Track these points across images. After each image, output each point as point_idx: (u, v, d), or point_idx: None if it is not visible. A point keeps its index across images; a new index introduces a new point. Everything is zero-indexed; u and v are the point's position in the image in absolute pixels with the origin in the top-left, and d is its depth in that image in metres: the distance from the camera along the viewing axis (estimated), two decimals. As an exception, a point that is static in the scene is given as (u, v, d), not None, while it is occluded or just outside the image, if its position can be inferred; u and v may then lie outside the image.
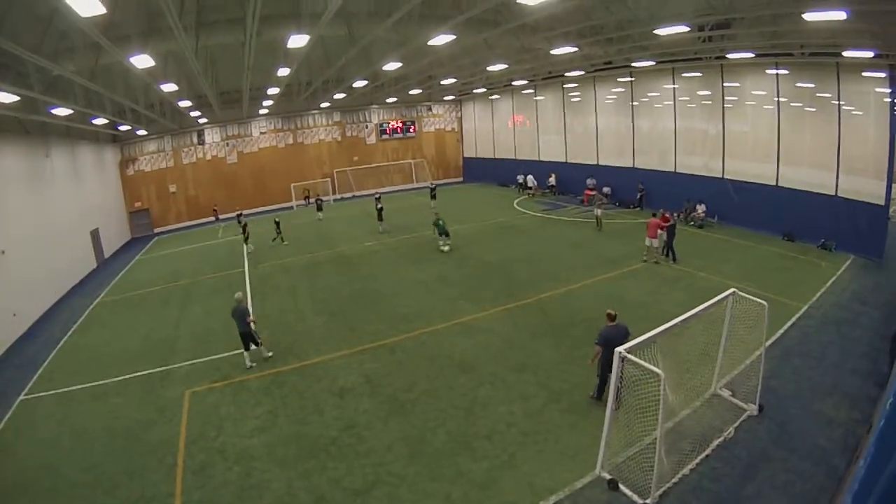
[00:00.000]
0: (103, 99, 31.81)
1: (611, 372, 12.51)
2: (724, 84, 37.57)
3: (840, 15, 18.89)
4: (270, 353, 19.95)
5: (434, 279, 27.94)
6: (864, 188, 29.94)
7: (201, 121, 57.86)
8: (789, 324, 19.83)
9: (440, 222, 33.12)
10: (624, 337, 13.54)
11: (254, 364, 19.38)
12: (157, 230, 60.61)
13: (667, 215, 28.89)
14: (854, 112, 30.45)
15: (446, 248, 32.48)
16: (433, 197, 52.23)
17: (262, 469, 13.42)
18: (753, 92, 35.90)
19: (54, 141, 38.49)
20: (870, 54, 26.32)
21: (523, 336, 19.95)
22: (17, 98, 21.84)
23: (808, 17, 19.74)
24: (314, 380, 18.03)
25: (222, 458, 14.03)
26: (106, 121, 37.49)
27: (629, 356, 10.96)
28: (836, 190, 31.47)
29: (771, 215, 34.49)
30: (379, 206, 43.58)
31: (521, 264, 29.49)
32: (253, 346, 19.41)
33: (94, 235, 45.11)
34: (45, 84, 22.80)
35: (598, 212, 34.99)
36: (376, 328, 21.90)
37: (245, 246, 39.38)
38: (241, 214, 47.98)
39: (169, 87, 29.66)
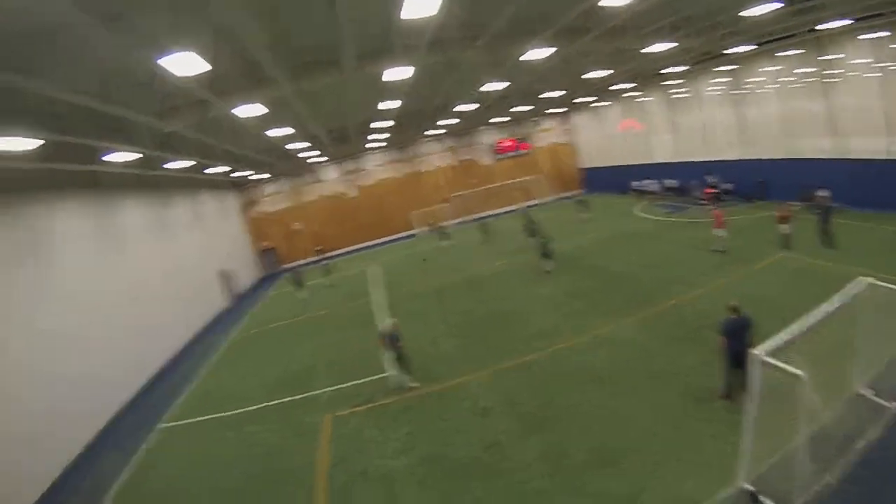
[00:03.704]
0: (216, 149, 33.71)
1: (735, 366, 12.47)
2: (823, 59, 35.21)
3: None
4: (415, 384, 20.09)
5: (563, 294, 27.56)
6: None
7: (317, 160, 60.12)
8: None
9: (544, 241, 32.34)
10: (746, 328, 13.34)
11: (416, 385, 19.91)
12: (285, 266, 63.28)
13: (785, 212, 27.98)
14: None
15: (549, 270, 31.47)
16: (580, 202, 52.14)
17: (404, 490, 13.78)
18: (856, 61, 33.29)
19: (176, 192, 41.69)
20: None
21: (658, 344, 19.43)
22: (136, 156, 23.41)
23: None
24: (454, 401, 18.25)
25: (364, 479, 14.53)
26: (223, 169, 39.55)
27: (769, 359, 10.38)
28: None
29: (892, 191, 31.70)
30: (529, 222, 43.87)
31: (648, 271, 28.72)
32: (399, 374, 19.99)
33: (224, 276, 48.18)
34: (159, 141, 24.64)
35: (786, 228, 28.31)
36: (511, 347, 21.85)
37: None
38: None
39: (280, 132, 30.97)
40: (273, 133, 30.78)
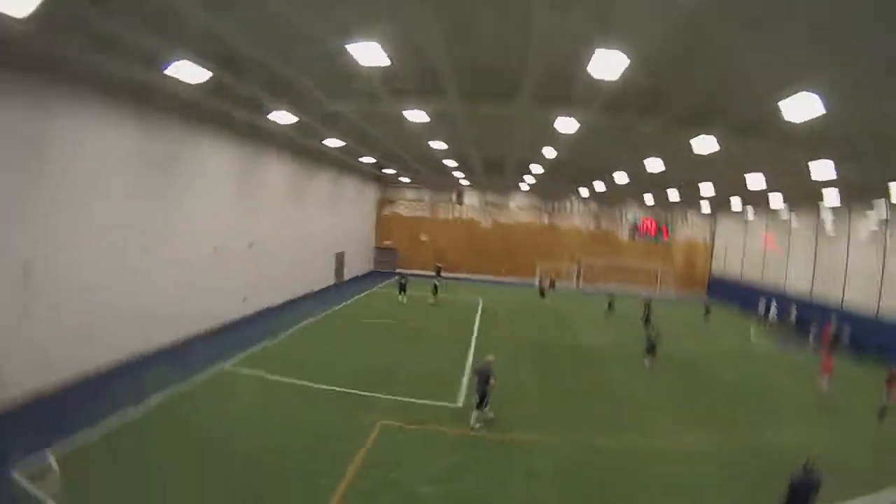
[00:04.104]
0: (373, 140, 34.78)
1: None
2: None
3: None
4: (492, 415, 19.70)
5: (657, 391, 25.79)
6: None
7: (463, 182, 61.01)
8: None
9: (653, 335, 30.49)
10: (815, 489, 12.46)
11: (479, 425, 19.25)
12: (398, 270, 63.27)
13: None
14: None
15: (648, 365, 29.48)
16: (707, 308, 50.64)
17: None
18: None
19: (322, 166, 43.53)
20: None
21: (741, 483, 17.36)
22: (295, 120, 24.36)
23: None
24: (509, 453, 17.47)
25: (391, 489, 14.27)
26: (373, 160, 40.67)
27: None
28: None
29: None
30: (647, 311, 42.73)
31: (750, 397, 26.54)
32: (482, 408, 19.45)
33: (339, 257, 50.43)
34: (322, 116, 25.56)
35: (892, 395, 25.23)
36: (587, 423, 20.77)
37: None
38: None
39: (437, 145, 31.50)
40: (430, 143, 31.37)
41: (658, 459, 18.27)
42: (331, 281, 48.27)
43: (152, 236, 23.14)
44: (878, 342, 37.88)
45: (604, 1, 13.03)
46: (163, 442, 15.48)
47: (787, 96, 17.26)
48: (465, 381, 23.74)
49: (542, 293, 53.32)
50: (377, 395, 21.21)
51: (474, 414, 19.18)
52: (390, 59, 15.03)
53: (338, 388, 21.50)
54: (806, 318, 46.51)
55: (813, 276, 49.75)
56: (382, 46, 14.07)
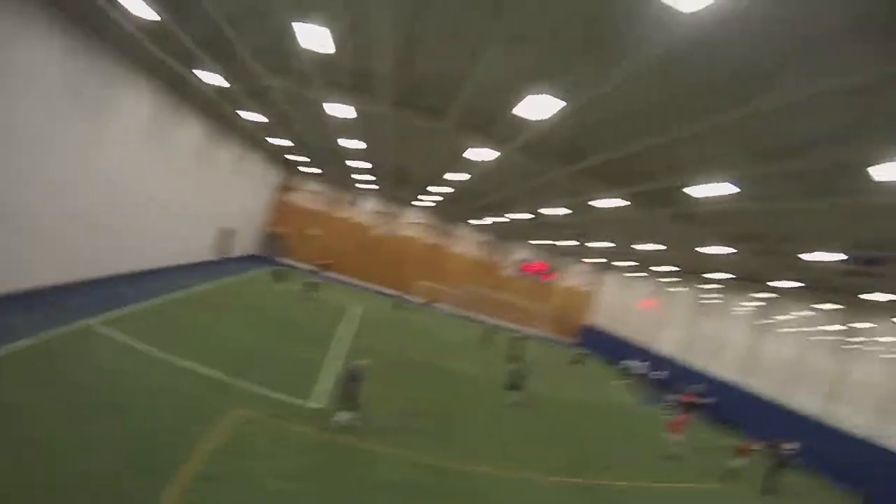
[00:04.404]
0: (292, 124, 34.27)
1: None
2: (856, 324, 36.00)
3: None
4: (360, 422, 19.43)
5: (509, 426, 26.26)
6: None
7: (367, 185, 60.21)
8: None
9: (520, 376, 30.50)
10: None
11: (341, 424, 19.02)
12: (282, 259, 62.96)
13: (752, 446, 28.05)
14: None
15: (513, 401, 29.54)
16: (579, 355, 52.94)
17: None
18: (884, 338, 34.00)
19: (235, 137, 42.00)
20: None
21: None
22: (224, 85, 23.99)
23: None
24: (362, 463, 17.27)
25: (238, 479, 13.83)
26: (285, 144, 40.07)
27: None
28: None
29: (862, 473, 31.12)
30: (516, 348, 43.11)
31: (601, 444, 28.04)
32: (349, 411, 19.24)
33: (229, 233, 48.83)
34: (251, 87, 24.92)
35: (740, 462, 27.75)
36: (437, 446, 20.76)
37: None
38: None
39: (355, 144, 31.37)
40: (346, 140, 31.12)
41: (498, 487, 18.71)
42: (217, 255, 46.60)
43: (49, 170, 21.59)
44: (734, 415, 40.60)
45: (553, 52, 13.43)
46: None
47: (703, 183, 18.32)
48: (324, 381, 23.48)
49: (397, 307, 53.35)
50: (236, 381, 20.36)
51: (340, 414, 19.05)
52: (336, 48, 14.81)
53: (199, 367, 20.49)
54: (671, 380, 48.73)
55: (686, 344, 52.22)
56: (332, 34, 13.84)
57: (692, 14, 9.35)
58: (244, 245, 56.28)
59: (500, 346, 44.45)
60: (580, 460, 24.04)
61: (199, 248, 43.29)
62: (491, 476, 19.34)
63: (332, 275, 62.68)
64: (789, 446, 30.46)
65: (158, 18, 17.01)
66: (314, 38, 14.24)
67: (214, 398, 18.39)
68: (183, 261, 39.79)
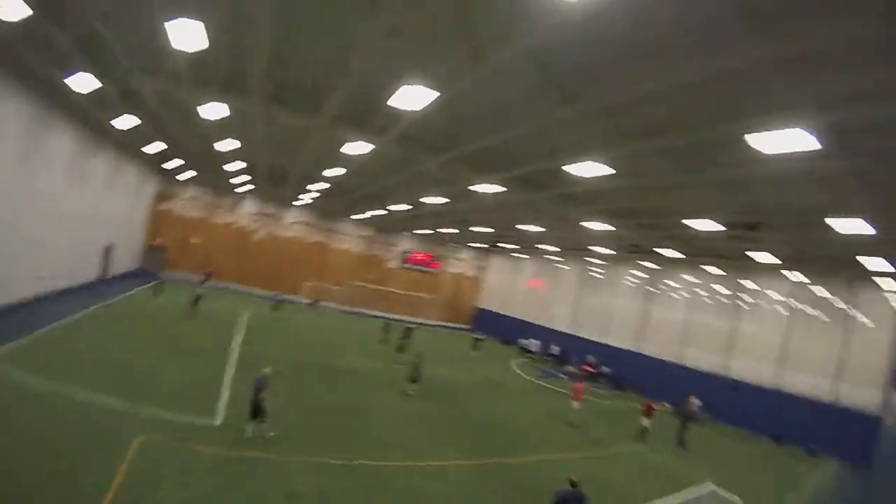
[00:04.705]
0: (167, 127, 32.94)
1: None
2: (740, 284, 39.21)
3: (866, 230, 20.23)
4: (273, 434, 19.27)
5: (415, 418, 26.15)
6: (862, 397, 31.05)
7: (243, 188, 59.07)
8: None
9: (416, 367, 30.82)
10: (580, 503, 13.54)
11: (254, 436, 18.94)
12: (167, 272, 59.56)
13: (653, 406, 29.64)
14: (865, 322, 32.12)
15: (411, 394, 29.91)
16: (476, 340, 52.96)
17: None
18: (768, 294, 37.55)
19: (108, 147, 39.45)
20: (885, 264, 27.51)
21: (491, 497, 18.60)
22: (96, 87, 22.63)
23: (838, 227, 20.96)
24: (269, 474, 16.95)
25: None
26: (159, 149, 38.82)
27: None
28: (835, 397, 32.58)
29: (762, 415, 34.77)
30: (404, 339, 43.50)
31: (502, 423, 28.42)
32: (258, 422, 19.04)
33: (108, 251, 46.11)
34: (121, 90, 23.94)
35: (646, 422, 29.63)
36: (344, 445, 20.58)
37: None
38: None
39: (230, 144, 30.84)
40: (221, 142, 30.64)
41: (411, 478, 18.85)
42: (96, 275, 43.88)
43: None
44: (633, 379, 43.51)
45: (427, 43, 13.77)
46: None
47: (576, 161, 19.10)
48: (224, 395, 22.98)
49: (276, 308, 51.76)
50: (137, 406, 19.42)
51: (250, 425, 18.90)
52: (209, 43, 14.50)
53: (97, 397, 19.36)
54: (566, 353, 50.48)
55: (577, 317, 53.92)
56: (206, 27, 13.56)
57: (564, 2, 9.89)
58: (125, 261, 53.24)
59: (396, 340, 44.79)
60: (488, 441, 24.57)
61: (80, 269, 40.62)
62: (404, 468, 19.49)
63: (217, 283, 60.42)
64: (693, 402, 32.92)
65: (30, 13, 16.12)
66: (188, 33, 13.85)
67: (116, 428, 17.45)
68: (66, 284, 37.24)
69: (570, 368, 46.69)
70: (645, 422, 29.03)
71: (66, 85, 22.82)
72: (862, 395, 31.22)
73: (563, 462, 22.80)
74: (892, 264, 27.24)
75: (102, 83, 22.21)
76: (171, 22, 13.37)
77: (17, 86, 24.66)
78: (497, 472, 20.98)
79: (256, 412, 18.95)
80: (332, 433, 21.73)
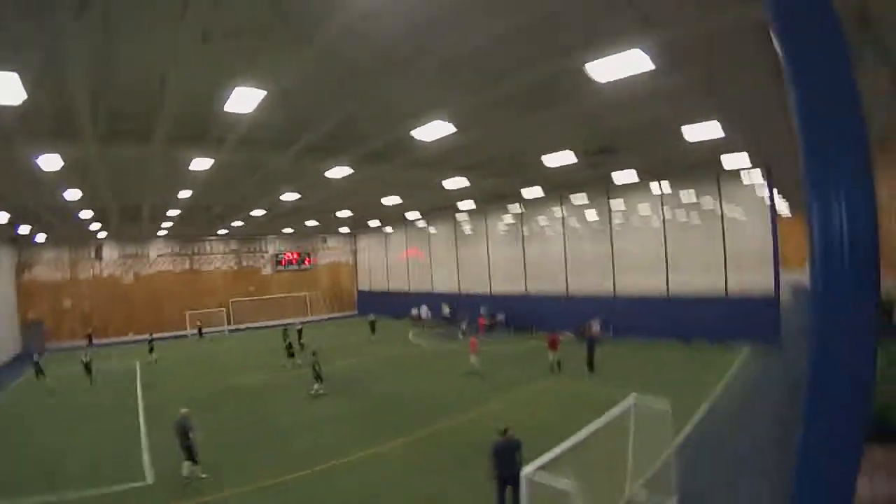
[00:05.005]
0: (5, 193, 31.10)
1: (506, 488, 13.32)
2: (611, 206, 41.52)
3: (717, 132, 22.29)
4: (205, 475, 19.09)
5: (332, 415, 26.66)
6: (754, 283, 33.66)
7: (100, 235, 56.74)
8: (697, 418, 21.08)
9: (316, 366, 30.98)
10: (516, 450, 13.85)
11: (205, 475, 18.96)
12: (50, 345, 56.93)
13: (556, 337, 31.64)
14: (736, 215, 34.84)
15: (320, 392, 30.27)
16: (371, 323, 53.54)
17: None
18: (640, 210, 39.97)
19: None
20: (744, 158, 30.28)
21: (426, 467, 19.17)
22: None
23: (689, 136, 23.03)
24: None
25: None
26: (4, 217, 37.08)
27: (536, 477, 10.68)
28: (727, 290, 35.23)
29: (665, 323, 37.08)
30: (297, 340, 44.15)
31: (418, 395, 29.10)
32: (191, 463, 18.93)
33: None
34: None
35: (555, 354, 31.63)
36: (270, 466, 20.28)
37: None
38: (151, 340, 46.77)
39: (72, 194, 29.87)
40: (64, 193, 29.67)
41: (344, 475, 19.16)
42: None
43: None
44: (530, 319, 45.34)
45: (243, 43, 13.96)
46: None
47: (422, 124, 19.70)
48: (146, 451, 22.51)
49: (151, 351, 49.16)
50: (59, 496, 18.45)
51: (185, 465, 18.83)
52: (28, 94, 14.17)
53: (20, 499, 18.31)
54: (458, 312, 51.93)
55: (458, 275, 54.98)
56: (21, 79, 13.30)
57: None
58: (7, 348, 50.33)
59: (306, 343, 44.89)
60: (408, 418, 25.11)
61: None
62: (336, 467, 19.79)
63: (102, 340, 58.86)
64: (593, 325, 34.67)
65: None
66: (3, 89, 13.53)
67: None
68: None
69: (463, 326, 47.80)
70: (553, 355, 30.95)
71: None
72: (753, 281, 33.82)
73: (488, 415, 23.76)
74: (750, 158, 29.98)
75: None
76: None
77: None
78: (428, 445, 21.59)
79: (189, 453, 18.93)
80: (255, 456, 21.64)
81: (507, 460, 13.52)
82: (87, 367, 37.96)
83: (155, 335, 54.06)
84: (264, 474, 19.35)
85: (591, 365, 30.45)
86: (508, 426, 14.75)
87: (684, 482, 14.68)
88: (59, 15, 11.45)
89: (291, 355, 39.68)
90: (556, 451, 11.29)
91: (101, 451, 23.02)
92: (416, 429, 23.20)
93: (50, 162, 21.91)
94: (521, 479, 10.81)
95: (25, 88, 13.84)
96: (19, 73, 13.13)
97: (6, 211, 35.02)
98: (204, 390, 33.10)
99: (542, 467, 10.83)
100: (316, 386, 30.31)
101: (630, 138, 26.06)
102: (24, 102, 14.79)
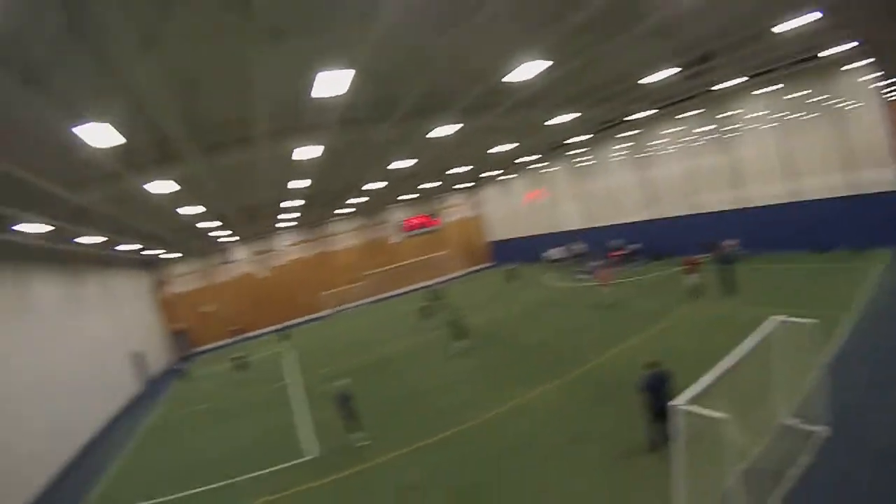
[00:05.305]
0: (128, 225, 32.75)
1: (658, 420, 12.84)
2: (721, 116, 38.53)
3: (814, 16, 20.03)
4: (367, 442, 20.26)
5: (480, 367, 27.17)
6: (877, 178, 30.37)
7: (228, 240, 59.09)
8: (847, 334, 19.43)
9: (457, 324, 31.21)
10: (665, 381, 13.65)
11: (367, 443, 20.15)
12: (197, 349, 61.66)
13: (695, 260, 30.11)
14: (849, 107, 31.44)
15: (463, 350, 30.26)
16: (510, 272, 53.79)
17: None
18: (752, 115, 36.75)
19: (87, 268, 40.20)
20: (849, 47, 27.79)
21: (578, 408, 19.19)
22: (47, 229, 22.65)
23: (780, 28, 21.05)
24: (379, 479, 17.63)
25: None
26: (136, 246, 38.75)
27: (689, 408, 10.48)
28: (851, 189, 31.99)
29: (796, 232, 34.45)
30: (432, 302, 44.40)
31: (563, 337, 28.93)
32: (355, 431, 20.27)
33: (137, 358, 46.10)
34: (71, 213, 23.79)
35: (694, 279, 29.98)
36: (431, 424, 21.00)
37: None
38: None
39: (191, 210, 30.64)
40: (184, 211, 30.46)
41: (502, 423, 19.45)
42: (136, 388, 43.90)
43: None
44: (662, 246, 43.73)
45: (314, 30, 13.50)
46: None
47: (513, 67, 18.71)
48: (307, 431, 23.70)
49: (282, 337, 52.41)
50: (234, 479, 20.31)
51: (356, 435, 20.24)
52: (125, 137, 14.42)
53: (194, 490, 20.38)
54: (592, 248, 50.93)
55: (583, 210, 54.02)
56: (114, 126, 13.54)
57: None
58: (160, 360, 54.12)
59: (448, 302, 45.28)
60: (546, 365, 24.85)
61: (122, 389, 41.26)
62: (491, 420, 20.02)
63: (247, 334, 62.25)
64: (729, 244, 32.61)
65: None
66: (98, 136, 13.88)
67: None
68: (115, 409, 37.85)
69: (594, 263, 46.30)
70: (692, 279, 29.31)
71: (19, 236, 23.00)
72: (874, 177, 30.52)
73: (629, 350, 23.45)
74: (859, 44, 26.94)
75: (49, 221, 22.20)
76: (79, 128, 13.23)
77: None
78: (571, 388, 21.37)
79: (351, 422, 20.21)
80: (409, 419, 22.39)
81: (656, 393, 13.48)
82: (239, 363, 39.96)
83: (292, 321, 59.05)
84: (420, 435, 20.10)
85: (729, 285, 28.60)
86: (655, 359, 14.57)
87: (836, 406, 13.69)
88: (126, 57, 11.48)
89: (429, 316, 39.85)
90: (704, 380, 11.18)
91: (264, 436, 24.98)
92: (557, 375, 22.97)
93: (164, 186, 22.48)
94: (670, 411, 10.77)
95: (121, 133, 14.12)
96: (110, 122, 13.42)
97: (138, 241, 36.33)
98: (349, 364, 33.98)
99: (693, 399, 10.69)
100: (458, 343, 30.41)
101: (723, 41, 24.10)
102: (124, 144, 15.08)
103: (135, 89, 13.12)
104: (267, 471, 20.32)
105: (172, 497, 20.26)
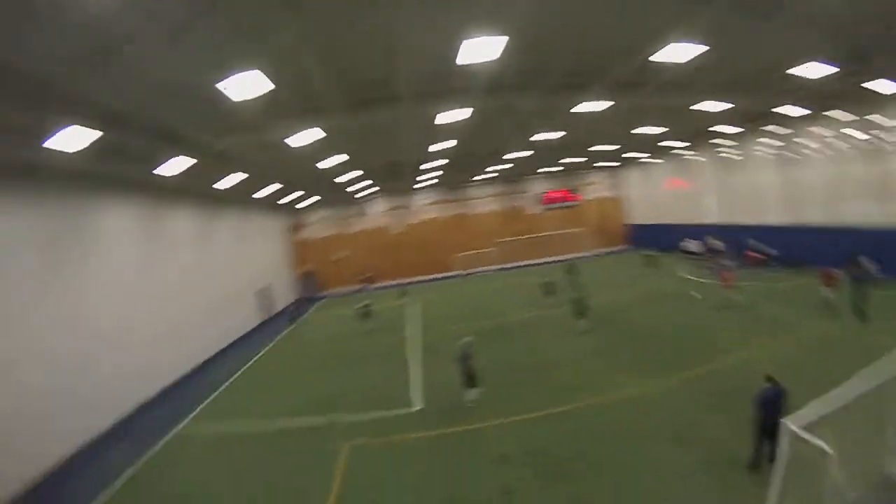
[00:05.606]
0: (269, 171, 34.35)
1: (766, 436, 12.36)
2: (881, 120, 33.96)
3: None
4: (472, 404, 20.60)
5: (599, 350, 26.61)
6: None
7: (367, 192, 60.69)
8: None
9: (581, 303, 30.68)
10: (780, 398, 13.04)
11: (472, 401, 20.54)
12: (323, 293, 64.44)
13: (832, 273, 27.69)
14: None
15: (586, 329, 29.84)
16: (648, 257, 52.78)
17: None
18: None
19: (224, 206, 42.71)
20: None
21: (690, 411, 18.34)
22: (189, 164, 23.85)
23: None
24: (474, 444, 17.81)
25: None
26: (273, 188, 40.86)
27: (802, 433, 9.83)
28: None
29: None
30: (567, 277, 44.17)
31: (688, 332, 27.75)
32: (472, 388, 20.66)
33: (263, 293, 49.38)
34: (215, 155, 24.88)
35: (829, 292, 27.63)
36: (537, 399, 20.95)
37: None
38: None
39: (337, 159, 31.41)
40: (326, 161, 31.21)
41: (611, 408, 19.17)
42: (259, 318, 47.02)
43: (63, 320, 21.69)
44: (801, 253, 40.22)
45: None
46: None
47: (662, 46, 18.04)
48: (419, 381, 24.54)
49: (400, 294, 52.97)
50: (337, 418, 21.29)
51: (468, 392, 20.55)
52: (274, 83, 14.92)
53: (292, 420, 21.67)
54: (729, 246, 48.34)
55: (724, 204, 51.70)
56: (264, 72, 14.08)
57: None
58: (284, 296, 56.97)
59: (578, 280, 44.82)
60: (665, 358, 24.13)
61: (247, 318, 44.35)
62: (588, 406, 19.70)
63: (376, 285, 63.94)
64: (864, 261, 29.73)
65: (100, 134, 16.89)
66: (247, 84, 14.49)
67: (323, 441, 19.20)
68: (237, 334, 40.81)
69: (727, 262, 44.13)
70: (827, 293, 27.29)
71: (164, 175, 24.63)
72: None
73: (750, 359, 22.03)
74: None
75: (194, 158, 23.18)
76: (225, 81, 13.75)
77: (123, 194, 28.01)
78: (690, 384, 20.66)
79: (469, 379, 20.51)
80: (519, 389, 22.40)
81: (769, 409, 12.81)
82: (364, 311, 40.64)
83: (420, 279, 60.62)
84: (526, 407, 20.13)
85: (861, 308, 25.77)
86: (774, 375, 13.79)
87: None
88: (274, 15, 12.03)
89: (551, 293, 39.12)
90: (817, 406, 10.28)
91: (376, 384, 25.85)
92: (674, 371, 22.12)
93: (309, 135, 23.25)
94: (780, 430, 10.21)
95: (271, 79, 14.67)
96: (261, 69, 14.01)
97: (277, 182, 37.58)
98: (475, 327, 33.61)
99: (808, 425, 9.89)
100: (581, 321, 30.13)
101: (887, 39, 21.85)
102: (272, 91, 15.61)
103: (279, 48, 13.71)
104: (370, 416, 21.19)
105: (272, 423, 21.83)
